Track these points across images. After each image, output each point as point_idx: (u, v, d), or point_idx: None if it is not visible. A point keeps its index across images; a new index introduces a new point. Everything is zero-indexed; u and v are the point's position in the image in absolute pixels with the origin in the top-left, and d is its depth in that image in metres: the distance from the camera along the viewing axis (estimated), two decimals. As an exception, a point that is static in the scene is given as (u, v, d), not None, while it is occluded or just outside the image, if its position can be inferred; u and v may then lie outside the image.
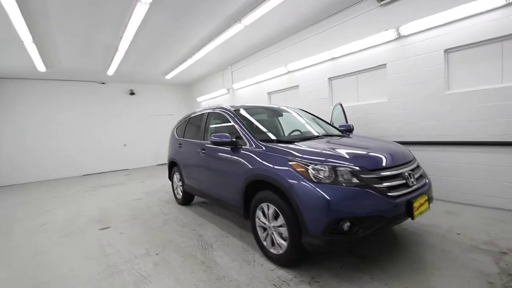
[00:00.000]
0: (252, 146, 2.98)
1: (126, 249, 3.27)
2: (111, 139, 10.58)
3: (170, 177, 5.39)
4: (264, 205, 2.71)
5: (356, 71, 5.32)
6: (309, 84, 6.29)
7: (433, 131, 4.27)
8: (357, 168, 2.28)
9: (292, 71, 6.68)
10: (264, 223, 2.74)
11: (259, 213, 2.80)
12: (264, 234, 2.77)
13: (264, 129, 3.42)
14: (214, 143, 3.30)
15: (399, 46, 4.56)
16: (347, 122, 5.05)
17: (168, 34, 6.04)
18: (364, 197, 2.17)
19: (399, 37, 4.49)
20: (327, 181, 2.23)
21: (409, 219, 2.36)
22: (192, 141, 4.39)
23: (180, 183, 4.92)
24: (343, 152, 2.50)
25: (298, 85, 6.64)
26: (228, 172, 3.26)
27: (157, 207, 4.98)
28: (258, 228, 2.85)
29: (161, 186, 6.97)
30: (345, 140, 3.13)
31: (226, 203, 3.43)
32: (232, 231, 3.60)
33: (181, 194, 4.94)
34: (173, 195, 5.57)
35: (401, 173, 2.43)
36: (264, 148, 2.84)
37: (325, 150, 2.56)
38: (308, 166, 2.33)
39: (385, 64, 4.80)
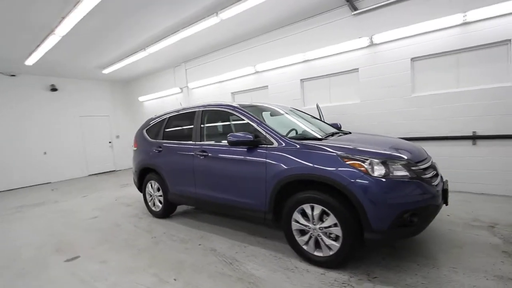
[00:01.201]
0: (282, 144, 2.77)
1: (128, 279, 2.58)
2: (25, 146, 8.36)
3: (142, 188, 4.58)
4: (305, 206, 2.55)
5: (329, 74, 5.65)
6: (280, 85, 6.36)
7: (402, 128, 4.87)
8: (407, 161, 2.38)
9: (261, 71, 6.63)
10: (306, 226, 2.57)
11: (297, 216, 2.62)
12: (305, 237, 2.60)
13: (281, 127, 3.23)
14: (232, 143, 2.96)
15: (371, 53, 5.05)
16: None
17: (125, 18, 5.17)
18: (420, 188, 2.27)
19: (371, 44, 4.99)
20: (386, 175, 2.24)
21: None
22: (181, 144, 3.83)
23: (159, 193, 4.22)
24: (383, 147, 2.57)
25: (267, 86, 6.62)
26: (248, 175, 2.94)
27: (129, 224, 4.15)
28: (295, 232, 2.67)
29: (115, 199, 5.87)
30: (362, 137, 3.24)
31: (242, 210, 3.08)
32: (245, 239, 3.27)
33: (160, 205, 4.24)
34: (145, 208, 4.75)
35: (431, 165, 2.67)
36: (298, 146, 2.68)
37: (365, 146, 2.58)
38: (364, 162, 2.30)
39: (358, 69, 5.25)
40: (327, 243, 2.47)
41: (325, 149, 2.53)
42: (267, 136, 2.89)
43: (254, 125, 3.03)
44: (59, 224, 4.41)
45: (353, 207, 2.31)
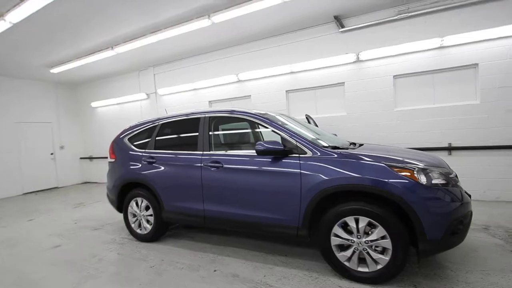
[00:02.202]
0: (317, 154, 2.61)
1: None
2: None
3: (122, 207, 3.86)
4: (349, 219, 2.41)
5: (315, 86, 5.77)
6: (264, 95, 6.26)
7: (385, 140, 5.19)
8: (444, 170, 2.45)
9: (244, 80, 6.44)
10: (348, 240, 2.42)
11: (337, 230, 2.46)
12: (347, 253, 2.44)
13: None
14: (262, 152, 2.68)
15: (357, 68, 5.34)
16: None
17: (94, 11, 4.49)
18: (461, 195, 2.34)
19: (357, 60, 5.28)
20: (433, 183, 2.26)
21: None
22: (183, 154, 3.35)
23: (147, 212, 3.60)
24: (415, 157, 2.61)
25: (250, 95, 6.46)
26: (278, 187, 2.68)
27: (111, 252, 3.41)
28: (334, 248, 2.49)
29: (73, 222, 4.85)
30: (383, 147, 3.26)
31: (269, 227, 2.78)
32: (266, 259, 2.95)
33: (149, 227, 3.60)
34: (123, 231, 4.05)
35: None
36: (335, 155, 2.56)
37: (399, 155, 2.59)
38: (413, 170, 2.29)
39: (344, 83, 5.48)
40: (374, 258, 2.35)
41: (367, 158, 2.46)
42: (299, 145, 2.70)
43: (282, 133, 2.81)
44: (9, 259, 3.39)
45: (404, 218, 2.26)
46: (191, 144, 3.43)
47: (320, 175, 2.50)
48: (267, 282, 2.52)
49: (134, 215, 3.75)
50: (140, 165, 3.63)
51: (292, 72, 5.90)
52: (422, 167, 2.32)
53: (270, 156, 2.74)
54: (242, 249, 3.25)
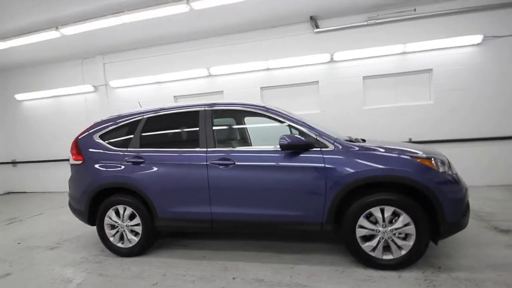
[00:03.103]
0: (339, 147, 2.60)
1: None
2: None
3: (94, 219, 3.18)
4: (374, 209, 2.46)
5: (290, 84, 5.84)
6: (237, 91, 6.04)
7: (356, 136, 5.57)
8: (447, 159, 2.71)
9: (216, 75, 6.11)
10: (373, 230, 2.47)
11: (363, 221, 2.49)
12: (372, 243, 2.48)
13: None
14: (285, 147, 2.54)
15: (330, 68, 5.60)
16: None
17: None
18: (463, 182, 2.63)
19: (331, 61, 5.53)
20: (447, 172, 2.48)
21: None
22: (182, 152, 2.94)
23: (132, 222, 3.04)
24: (423, 149, 2.82)
25: (222, 91, 6.16)
26: (301, 183, 2.58)
27: (90, 275, 2.77)
28: (359, 239, 2.51)
29: (15, 241, 3.83)
30: (386, 141, 3.41)
31: (291, 225, 2.65)
32: (283, 259, 2.79)
33: (135, 238, 3.05)
34: (93, 248, 3.40)
35: None
36: (357, 148, 2.59)
37: (410, 147, 2.77)
38: (431, 160, 2.46)
39: (318, 81, 5.69)
40: (399, 244, 2.45)
41: (387, 150, 2.56)
42: (320, 139, 2.65)
43: (302, 127, 2.71)
44: None
45: (426, 204, 2.41)
46: (190, 141, 3.07)
47: (347, 168, 2.49)
48: (298, 283, 2.39)
49: (113, 227, 3.14)
50: (123, 167, 3.06)
51: (267, 69, 5.85)
52: (437, 157, 2.52)
53: (291, 150, 2.62)
54: (251, 252, 3.03)
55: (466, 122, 5.08)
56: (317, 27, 5.47)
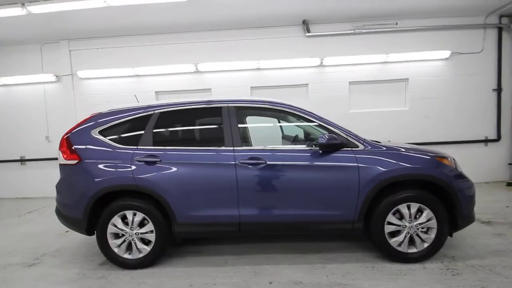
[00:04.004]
0: (368, 147, 2.70)
1: None
2: None
3: (96, 228, 2.74)
4: (402, 206, 2.60)
5: (281, 85, 5.88)
6: (227, 90, 5.85)
7: (342, 138, 5.87)
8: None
9: (204, 71, 5.83)
10: (400, 226, 2.61)
11: (391, 218, 2.62)
12: (399, 238, 2.61)
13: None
14: (324, 146, 2.55)
15: (319, 72, 5.80)
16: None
17: None
18: None
19: (321, 65, 5.74)
20: (459, 170, 2.75)
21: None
22: (207, 151, 2.72)
23: (143, 229, 2.70)
24: (432, 149, 3.08)
25: (210, 89, 5.91)
26: (335, 182, 2.61)
27: (95, 292, 2.39)
28: (387, 235, 2.63)
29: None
30: (396, 141, 3.64)
31: (322, 224, 2.67)
32: (309, 260, 2.78)
33: (146, 248, 2.71)
34: (86, 261, 2.93)
35: None
36: (384, 148, 2.72)
37: (424, 148, 3.01)
38: (449, 159, 2.71)
39: (308, 84, 5.85)
40: (423, 238, 2.64)
41: (410, 151, 2.74)
42: (350, 139, 2.72)
43: (333, 128, 2.75)
44: None
45: (446, 200, 2.64)
46: (212, 139, 2.89)
47: (378, 167, 2.60)
48: (337, 282, 2.40)
49: (119, 236, 2.75)
50: (133, 167, 2.71)
51: (258, 69, 5.80)
52: (451, 156, 2.79)
53: (326, 150, 2.63)
54: (274, 254, 2.95)
55: (435, 128, 5.73)
56: (308, 31, 5.62)
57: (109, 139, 2.85)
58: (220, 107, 2.86)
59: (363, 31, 5.57)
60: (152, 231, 2.72)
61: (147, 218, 2.71)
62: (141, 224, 2.74)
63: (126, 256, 2.76)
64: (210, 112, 2.90)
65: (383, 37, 5.62)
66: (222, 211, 2.68)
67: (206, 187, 2.68)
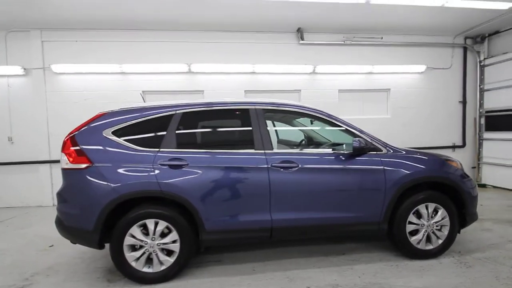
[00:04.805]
0: (390, 151, 2.85)
1: None
2: None
3: (111, 240, 2.43)
4: (421, 206, 2.79)
5: (274, 90, 5.92)
6: (220, 92, 5.71)
7: (332, 143, 6.11)
8: (454, 162, 3.33)
9: (197, 72, 5.61)
10: (419, 225, 2.79)
11: (412, 218, 2.79)
12: (418, 236, 2.79)
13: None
14: (358, 150, 2.63)
15: (311, 79, 5.98)
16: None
17: None
18: None
19: (313, 72, 5.93)
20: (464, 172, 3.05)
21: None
22: (238, 154, 2.61)
23: (167, 239, 2.47)
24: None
25: (203, 91, 5.70)
26: (363, 185, 2.70)
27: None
28: (408, 235, 2.79)
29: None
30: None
31: (351, 226, 2.73)
32: (332, 262, 2.82)
33: (169, 260, 2.48)
34: (88, 280, 2.59)
35: None
36: (404, 152, 2.90)
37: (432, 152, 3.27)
38: (457, 162, 2.98)
39: (300, 90, 5.99)
40: (438, 235, 2.85)
41: (425, 155, 2.96)
42: (374, 143, 2.84)
43: (360, 133, 2.85)
44: None
45: (454, 200, 2.89)
46: (240, 141, 2.81)
47: (402, 170, 2.75)
48: (372, 281, 2.46)
49: (136, 248, 2.48)
50: (157, 171, 2.48)
51: (253, 73, 5.77)
52: (458, 160, 3.08)
53: (356, 153, 2.72)
54: (299, 259, 2.92)
55: (411, 134, 6.26)
56: (302, 39, 5.78)
57: (125, 140, 2.58)
58: (248, 109, 2.79)
59: (353, 42, 5.91)
60: (175, 241, 2.51)
61: (171, 226, 2.49)
62: (163, 234, 2.51)
63: (146, 270, 2.50)
64: (236, 114, 2.81)
65: (370, 49, 6.03)
66: (254, 217, 2.58)
67: (236, 192, 2.57)
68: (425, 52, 6.16)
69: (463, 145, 6.41)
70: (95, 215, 2.40)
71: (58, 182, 5.23)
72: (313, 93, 5.99)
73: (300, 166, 2.64)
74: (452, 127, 6.41)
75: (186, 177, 2.50)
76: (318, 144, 3.47)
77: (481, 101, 6.24)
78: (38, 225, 4.27)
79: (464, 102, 6.35)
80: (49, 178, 5.32)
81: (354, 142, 2.63)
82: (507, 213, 4.22)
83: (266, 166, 2.60)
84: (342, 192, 2.70)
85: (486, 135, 6.18)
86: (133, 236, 2.46)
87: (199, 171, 2.53)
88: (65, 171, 2.54)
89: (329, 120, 2.92)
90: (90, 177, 2.45)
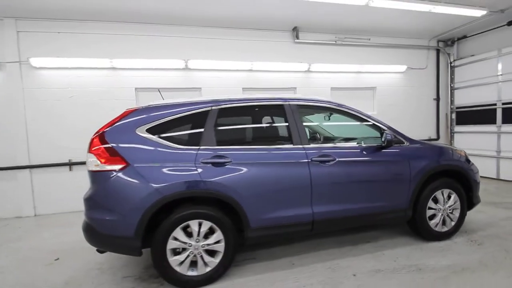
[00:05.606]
0: (411, 143, 3.07)
1: None
2: None
3: (153, 245, 2.27)
4: (438, 193, 3.06)
5: (271, 88, 5.96)
6: (218, 90, 5.58)
7: (326, 139, 6.34)
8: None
9: (194, 69, 5.42)
10: (437, 209, 3.06)
11: (430, 203, 3.04)
12: (436, 220, 3.06)
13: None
14: (390, 142, 2.78)
15: (306, 77, 6.14)
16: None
17: None
18: None
19: (308, 70, 6.09)
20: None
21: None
22: (279, 150, 2.61)
23: (211, 240, 2.39)
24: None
25: (200, 88, 5.53)
26: (393, 175, 2.89)
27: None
28: (428, 219, 3.04)
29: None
30: None
31: (383, 214, 2.89)
32: (363, 250, 2.96)
33: (214, 260, 2.41)
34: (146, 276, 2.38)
35: None
36: (419, 144, 3.14)
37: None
38: (464, 152, 3.31)
39: (296, 88, 6.11)
40: (451, 218, 3.15)
41: (438, 146, 3.25)
42: (398, 136, 3.04)
43: (384, 126, 3.02)
44: None
45: (464, 186, 3.22)
46: (279, 137, 2.82)
47: (423, 161, 3.00)
48: (407, 264, 2.65)
49: (178, 252, 2.36)
50: (200, 170, 2.38)
51: (250, 70, 5.75)
52: (463, 149, 3.43)
53: (387, 146, 2.88)
54: (331, 249, 3.03)
55: (395, 129, 6.78)
56: (297, 38, 5.91)
57: (162, 138, 2.43)
58: (283, 105, 2.80)
59: (343, 42, 6.20)
60: (219, 241, 2.44)
61: (216, 226, 2.42)
62: (207, 235, 2.42)
63: (190, 273, 2.39)
64: (272, 109, 2.82)
65: (359, 50, 6.38)
66: (296, 211, 2.62)
67: (279, 187, 2.58)
68: (406, 53, 6.70)
69: (437, 138, 7.10)
70: (136, 219, 2.24)
71: (40, 189, 4.77)
72: (307, 91, 6.15)
73: (336, 159, 2.73)
74: (428, 122, 7.07)
75: (230, 175, 2.44)
76: (345, 139, 3.56)
77: (452, 98, 6.99)
78: (28, 238, 3.79)
79: (437, 99, 7.04)
80: (29, 185, 4.73)
81: (387, 135, 2.79)
82: (488, 197, 4.78)
83: (306, 160, 2.64)
84: (374, 182, 2.86)
85: (457, 128, 6.94)
86: (176, 239, 2.34)
87: (243, 168, 2.49)
88: (95, 173, 2.31)
89: (357, 116, 3.04)
90: (128, 178, 2.27)
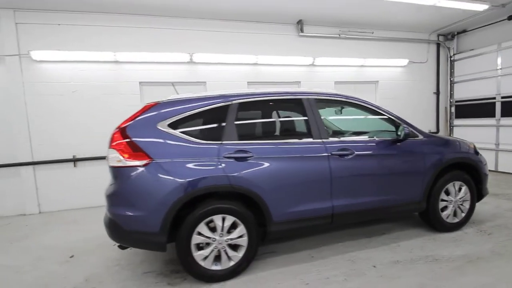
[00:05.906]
0: (425, 137, 3.11)
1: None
2: None
3: (177, 240, 2.27)
4: (450, 185, 3.13)
5: (275, 82, 5.93)
6: (222, 84, 5.52)
7: (329, 133, 6.38)
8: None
9: (199, 63, 5.34)
10: (448, 201, 3.13)
11: (443, 195, 3.12)
12: (448, 211, 3.14)
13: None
14: (407, 136, 2.82)
15: (310, 71, 6.13)
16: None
17: None
18: None
19: (312, 64, 6.07)
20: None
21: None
22: (299, 144, 2.61)
23: (234, 235, 2.40)
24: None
25: (205, 82, 5.46)
26: (408, 168, 2.94)
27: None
28: (440, 211, 3.12)
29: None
30: None
31: (398, 206, 2.95)
32: (378, 242, 3.03)
33: (239, 255, 2.42)
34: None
35: None
36: (431, 138, 3.20)
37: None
38: (473, 144, 3.38)
39: (300, 82, 6.10)
40: (462, 209, 3.24)
41: (448, 139, 3.31)
42: (412, 130, 3.07)
43: (400, 121, 3.04)
44: None
45: (474, 178, 3.30)
46: (299, 131, 2.82)
47: (436, 154, 3.05)
48: (423, 255, 2.72)
49: (201, 247, 2.36)
50: (223, 164, 2.37)
51: (255, 64, 5.70)
52: (472, 142, 3.50)
53: (403, 140, 2.91)
54: (348, 241, 3.08)
55: (397, 123, 6.88)
56: (302, 31, 5.87)
57: (183, 132, 2.41)
58: (301, 99, 2.80)
59: (347, 36, 6.19)
60: (242, 235, 2.45)
61: (239, 221, 2.42)
62: (230, 229, 2.43)
63: (214, 267, 2.40)
64: (291, 104, 2.82)
65: (361, 43, 6.39)
66: (317, 204, 2.64)
67: (300, 181, 2.59)
68: (408, 47, 6.75)
69: (437, 131, 7.24)
70: (161, 215, 2.22)
71: (45, 186, 4.66)
72: (312, 85, 6.15)
73: (355, 153, 2.76)
74: (428, 116, 7.19)
75: (253, 169, 2.44)
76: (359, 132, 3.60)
77: (452, 92, 7.11)
78: (36, 236, 3.72)
79: (437, 93, 7.15)
80: (33, 182, 4.62)
81: (405, 129, 2.83)
82: (489, 188, 4.85)
83: (326, 154, 2.66)
84: (391, 176, 2.90)
85: (456, 122, 7.08)
86: (201, 234, 2.33)
87: (265, 163, 2.49)
88: (118, 169, 2.27)
89: (375, 110, 3.05)
90: (153, 174, 2.25)
